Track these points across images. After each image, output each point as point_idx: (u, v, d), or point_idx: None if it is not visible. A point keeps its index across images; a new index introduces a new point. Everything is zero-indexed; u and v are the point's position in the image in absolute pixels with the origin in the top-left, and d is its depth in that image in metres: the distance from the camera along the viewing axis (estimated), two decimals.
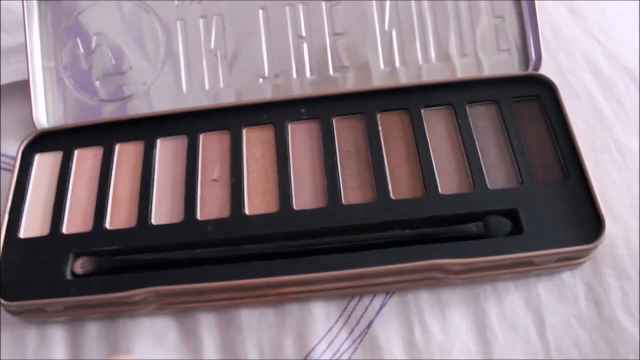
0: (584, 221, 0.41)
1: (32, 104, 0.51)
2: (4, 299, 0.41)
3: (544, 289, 0.42)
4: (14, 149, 0.51)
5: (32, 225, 0.46)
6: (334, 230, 0.43)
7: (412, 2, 0.51)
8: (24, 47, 0.52)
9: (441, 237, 0.42)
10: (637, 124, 0.48)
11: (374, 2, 0.51)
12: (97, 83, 0.52)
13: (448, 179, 0.45)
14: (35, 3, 0.52)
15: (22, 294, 0.41)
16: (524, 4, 0.50)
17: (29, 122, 0.51)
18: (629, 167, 0.46)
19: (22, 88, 0.53)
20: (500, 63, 0.50)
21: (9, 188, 0.47)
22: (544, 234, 0.41)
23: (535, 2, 0.51)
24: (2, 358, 0.42)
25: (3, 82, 0.54)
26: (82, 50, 0.53)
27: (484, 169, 0.45)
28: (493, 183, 0.44)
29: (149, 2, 0.52)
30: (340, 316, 0.42)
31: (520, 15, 0.51)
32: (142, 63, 0.52)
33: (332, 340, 0.41)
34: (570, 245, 0.40)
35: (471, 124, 0.47)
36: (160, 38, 0.52)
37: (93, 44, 0.53)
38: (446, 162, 0.46)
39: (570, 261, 0.41)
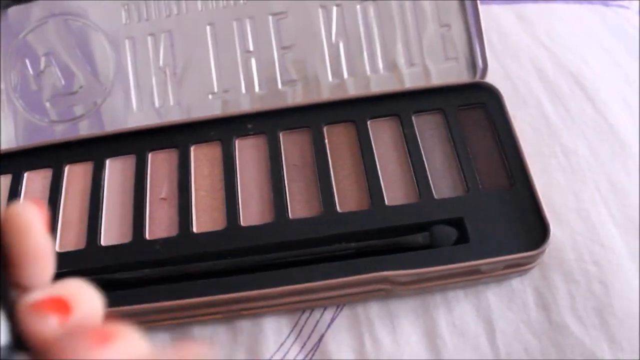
0: (530, 228, 0.42)
1: None
2: None
3: (493, 296, 0.42)
4: None
5: None
6: (282, 245, 0.43)
7: (359, 13, 0.51)
8: None
9: (388, 249, 0.42)
10: (583, 128, 0.49)
11: (320, 13, 0.51)
12: (47, 104, 0.52)
13: (394, 190, 0.45)
14: None
15: None
16: (470, 12, 0.51)
17: None
18: (574, 172, 0.47)
19: None
20: (448, 71, 0.51)
21: None
22: (490, 241, 0.41)
23: (482, 9, 0.51)
24: None
25: None
26: (31, 71, 0.52)
27: (430, 178, 0.45)
28: (439, 192, 0.45)
29: (97, 21, 0.52)
30: (291, 331, 0.42)
31: (466, 23, 0.51)
32: (92, 82, 0.52)
33: (284, 356, 0.41)
34: (516, 252, 0.40)
35: (417, 133, 0.47)
36: (109, 57, 0.52)
37: (42, 65, 0.52)
38: (392, 172, 0.46)
39: (518, 267, 0.41)
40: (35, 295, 0.20)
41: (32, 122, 0.52)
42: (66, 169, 0.48)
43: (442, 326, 0.41)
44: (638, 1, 0.60)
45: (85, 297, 0.21)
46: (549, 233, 0.41)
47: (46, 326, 0.19)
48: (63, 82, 0.52)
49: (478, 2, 0.50)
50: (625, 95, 0.51)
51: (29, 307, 0.19)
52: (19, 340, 0.20)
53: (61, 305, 0.20)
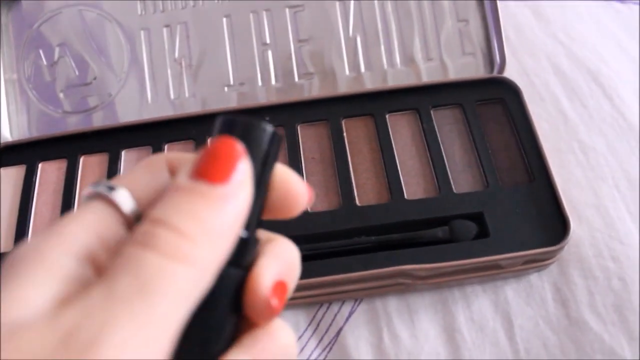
0: (550, 223, 0.42)
1: None
2: None
3: (512, 291, 0.42)
4: None
5: None
6: (300, 238, 0.41)
7: (377, 7, 0.51)
8: None
9: (407, 243, 0.42)
10: (600, 125, 0.49)
11: (337, 7, 0.51)
12: (61, 95, 0.52)
13: (413, 184, 0.45)
14: None
15: None
16: (487, 8, 0.51)
17: None
18: (593, 168, 0.47)
19: None
20: (465, 66, 0.51)
21: None
22: (510, 237, 0.42)
23: (499, 5, 0.51)
24: None
25: None
26: (45, 61, 0.52)
27: (449, 173, 0.45)
28: (458, 187, 0.45)
29: (111, 11, 0.52)
30: (309, 324, 0.42)
31: (484, 18, 0.51)
32: (106, 74, 0.52)
33: (302, 349, 0.42)
34: (536, 247, 0.40)
35: (436, 128, 0.47)
36: (124, 48, 0.52)
37: (56, 55, 0.52)
38: (411, 166, 0.46)
39: (537, 263, 0.41)
40: (267, 282, 0.23)
41: (46, 113, 0.52)
42: (81, 160, 0.48)
43: (461, 321, 0.41)
44: None
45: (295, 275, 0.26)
46: (570, 229, 0.41)
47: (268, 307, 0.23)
48: (77, 72, 0.52)
49: None
50: None
51: (262, 297, 0.23)
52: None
53: (282, 290, 0.24)
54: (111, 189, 0.23)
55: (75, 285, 0.21)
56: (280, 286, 0.24)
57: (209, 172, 0.22)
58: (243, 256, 0.23)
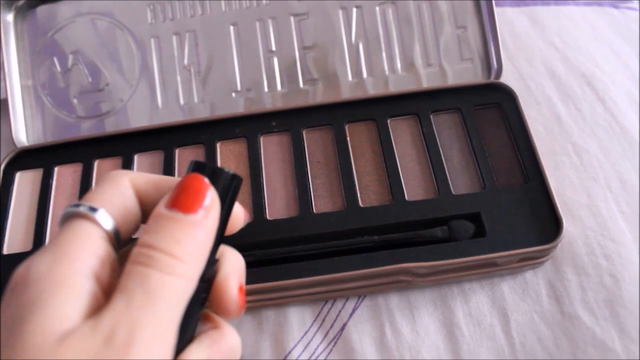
0: (544, 223, 0.43)
1: (11, 122, 0.52)
2: None
3: (508, 288, 0.43)
4: None
5: (16, 241, 0.47)
6: (307, 238, 0.44)
7: (378, 14, 0.52)
8: (1, 66, 0.53)
9: (408, 242, 0.43)
10: (594, 128, 0.50)
11: (340, 15, 0.52)
12: (75, 100, 0.53)
13: (414, 186, 0.46)
14: (11, 23, 0.53)
15: None
16: (485, 15, 0.52)
17: (6, 140, 0.53)
18: (586, 169, 0.48)
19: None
20: (463, 72, 0.52)
21: None
22: (506, 235, 0.42)
23: (496, 12, 0.52)
24: None
25: None
26: (59, 68, 0.54)
27: (448, 175, 0.46)
28: (457, 188, 0.46)
29: (122, 20, 0.53)
30: (315, 320, 0.43)
31: (481, 25, 0.52)
32: (118, 80, 0.53)
33: (308, 343, 0.42)
34: (530, 245, 0.41)
35: (435, 132, 0.48)
36: (135, 55, 0.53)
37: (69, 63, 0.54)
38: (412, 169, 0.47)
39: (532, 261, 0.42)
40: (234, 288, 0.31)
41: (60, 118, 0.53)
42: (96, 163, 0.50)
43: (459, 316, 0.42)
44: None
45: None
46: (562, 228, 0.42)
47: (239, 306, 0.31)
48: (90, 79, 0.53)
49: (494, 4, 0.51)
50: (634, 96, 0.52)
51: (234, 301, 0.31)
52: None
53: (242, 291, 0.32)
54: (93, 210, 0.29)
55: (91, 299, 0.27)
56: (241, 289, 0.31)
57: (182, 203, 0.29)
58: (205, 273, 0.29)
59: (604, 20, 0.58)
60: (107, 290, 0.28)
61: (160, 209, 0.29)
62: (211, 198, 0.29)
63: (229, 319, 0.32)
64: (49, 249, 0.28)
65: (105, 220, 0.29)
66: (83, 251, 0.28)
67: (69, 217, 0.29)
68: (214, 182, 0.30)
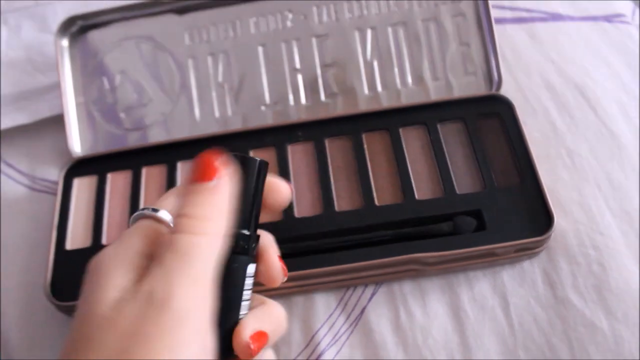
0: (537, 217, 0.45)
1: (67, 135, 0.56)
2: (57, 299, 0.47)
3: (507, 275, 0.46)
4: (50, 173, 0.57)
5: (77, 238, 0.51)
6: (330, 233, 0.47)
7: (390, 34, 0.55)
8: (58, 85, 0.57)
9: (418, 235, 0.46)
10: (585, 133, 0.52)
11: (357, 36, 0.56)
12: (122, 115, 0.56)
13: (423, 187, 0.49)
14: (66, 47, 0.57)
15: (71, 295, 0.47)
16: (486, 33, 0.54)
17: (62, 150, 0.57)
18: (578, 171, 0.50)
19: (55, 121, 0.58)
20: (467, 84, 0.54)
21: (54, 209, 0.52)
22: (504, 229, 0.45)
23: (498, 29, 0.55)
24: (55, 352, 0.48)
25: (40, 116, 0.59)
26: (107, 86, 0.57)
27: (453, 177, 0.49)
28: (461, 188, 0.49)
29: (163, 43, 0.57)
30: (338, 304, 0.47)
31: (483, 42, 0.55)
32: (160, 96, 0.56)
33: (332, 324, 0.46)
34: (525, 237, 0.44)
35: (442, 139, 0.51)
36: (175, 74, 0.57)
37: (117, 81, 0.57)
38: (421, 172, 0.50)
39: (528, 251, 0.45)
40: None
41: (109, 131, 0.57)
42: (144, 170, 0.53)
43: (465, 301, 0.45)
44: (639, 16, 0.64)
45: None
46: (554, 221, 0.45)
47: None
48: (135, 95, 0.57)
49: (493, 23, 0.54)
50: (623, 103, 0.53)
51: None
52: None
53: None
54: (155, 210, 0.33)
55: (144, 271, 0.30)
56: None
57: (198, 175, 0.31)
58: (249, 247, 0.33)
59: (597, 34, 0.59)
60: None
61: (182, 187, 0.33)
62: (221, 166, 0.32)
63: (275, 286, 0.36)
64: (116, 240, 0.32)
65: (166, 216, 0.33)
66: (139, 237, 0.32)
67: (136, 220, 0.34)
68: (242, 169, 0.33)
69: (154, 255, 0.30)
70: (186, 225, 0.30)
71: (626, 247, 0.46)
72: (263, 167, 0.34)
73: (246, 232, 0.33)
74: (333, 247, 0.47)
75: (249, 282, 0.33)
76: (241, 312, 0.33)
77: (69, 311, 0.48)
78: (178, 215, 0.31)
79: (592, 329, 0.43)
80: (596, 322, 0.43)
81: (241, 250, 0.33)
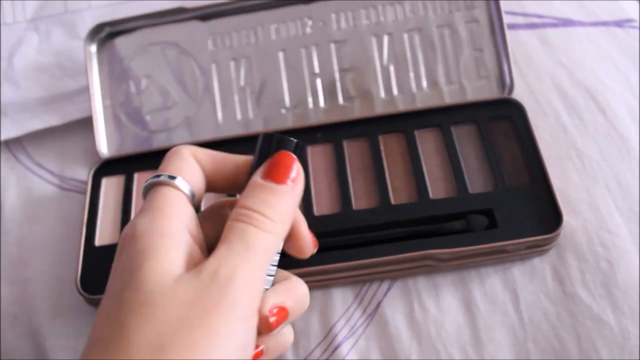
0: (547, 216, 0.47)
1: (95, 136, 0.58)
2: (87, 292, 0.48)
3: (518, 272, 0.47)
4: (79, 173, 0.59)
5: (105, 235, 0.53)
6: (348, 230, 0.49)
7: (406, 40, 0.57)
8: (86, 89, 0.59)
9: (432, 233, 0.47)
10: (594, 135, 0.53)
11: (374, 41, 0.58)
12: (148, 117, 0.58)
13: (437, 186, 0.51)
14: (94, 53, 0.60)
15: (100, 288, 0.46)
16: (499, 38, 0.56)
17: (91, 151, 0.59)
18: (587, 172, 0.51)
19: (84, 124, 0.60)
20: (480, 88, 0.55)
21: (84, 206, 0.54)
22: (515, 227, 0.46)
23: (510, 34, 0.56)
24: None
25: (70, 119, 0.61)
26: (133, 90, 0.59)
27: (465, 177, 0.50)
28: (473, 188, 0.50)
29: (187, 48, 0.59)
30: (355, 299, 0.48)
31: (496, 47, 0.56)
32: (184, 99, 0.58)
33: (349, 318, 0.47)
34: (535, 235, 0.45)
35: (455, 141, 0.52)
36: (198, 78, 0.59)
37: (143, 85, 0.59)
38: (435, 172, 0.51)
39: (538, 248, 0.46)
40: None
41: (135, 133, 0.58)
42: None
43: (477, 296, 0.46)
44: None
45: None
46: (562, 220, 0.46)
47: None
48: (160, 99, 0.59)
49: (505, 29, 0.56)
50: (632, 106, 0.54)
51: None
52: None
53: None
54: (172, 177, 0.34)
55: (189, 248, 0.32)
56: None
57: (275, 174, 0.33)
58: None
59: (607, 39, 0.60)
60: (198, 242, 0.33)
61: (257, 178, 0.34)
62: (297, 171, 0.34)
63: (305, 257, 0.38)
64: (145, 210, 0.33)
65: (183, 185, 0.34)
66: (174, 209, 0.33)
67: (152, 187, 0.34)
68: (278, 148, 0.35)
69: (223, 236, 0.32)
70: (257, 220, 0.32)
71: (633, 245, 0.47)
72: (299, 148, 0.36)
73: None
74: (350, 244, 0.48)
75: (275, 257, 0.35)
76: (265, 287, 0.34)
77: (98, 303, 0.49)
78: (250, 208, 0.32)
79: (599, 323, 0.44)
80: (603, 317, 0.44)
81: None
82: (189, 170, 0.36)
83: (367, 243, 0.48)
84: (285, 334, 0.36)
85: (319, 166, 0.54)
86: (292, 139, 0.36)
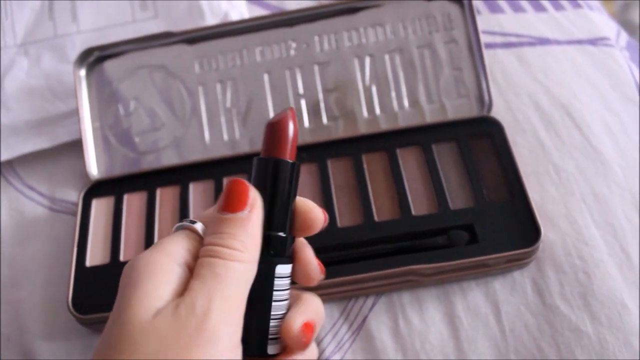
0: (525, 230, 0.48)
1: (85, 158, 0.58)
2: (78, 313, 0.49)
3: (499, 285, 0.48)
4: (69, 195, 0.60)
5: (96, 255, 0.54)
6: (333, 247, 0.50)
7: (387, 61, 0.59)
8: (76, 112, 0.60)
9: (415, 249, 0.48)
10: (571, 150, 0.54)
11: (356, 62, 0.59)
12: (136, 139, 0.59)
13: (419, 203, 0.52)
14: (84, 77, 0.61)
15: (91, 309, 0.49)
16: (477, 58, 0.57)
17: (81, 173, 0.59)
18: (564, 186, 0.52)
19: (74, 146, 0.61)
20: (460, 106, 0.57)
21: (74, 228, 0.55)
22: (495, 242, 0.48)
23: (489, 53, 0.59)
24: None
25: (60, 141, 0.62)
26: (122, 112, 0.60)
27: (446, 193, 0.52)
28: (454, 204, 0.51)
29: (175, 71, 0.60)
30: (341, 314, 0.49)
31: (475, 67, 0.57)
32: (172, 121, 0.60)
33: (336, 333, 0.48)
34: (514, 249, 0.47)
35: (436, 158, 0.54)
36: (186, 100, 0.60)
37: (131, 107, 0.60)
38: (417, 189, 0.53)
39: (518, 262, 0.48)
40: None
41: (125, 154, 0.59)
42: (158, 191, 0.56)
43: (459, 309, 0.48)
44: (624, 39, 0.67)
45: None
46: (540, 234, 0.47)
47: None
48: (149, 120, 0.60)
49: (483, 48, 0.57)
50: (607, 122, 0.56)
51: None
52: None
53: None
54: (192, 222, 0.35)
55: (181, 282, 0.32)
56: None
57: (230, 205, 0.33)
58: (285, 249, 0.35)
59: (583, 56, 0.61)
60: None
61: (214, 213, 0.33)
62: (252, 197, 0.33)
63: (313, 284, 0.37)
64: (152, 246, 0.33)
65: (201, 228, 0.34)
66: (177, 246, 0.33)
67: (176, 230, 0.35)
68: (275, 172, 0.34)
69: (194, 273, 0.32)
70: (223, 253, 0.32)
71: (609, 257, 0.49)
72: (296, 170, 0.35)
73: (282, 234, 0.35)
74: (336, 261, 0.49)
75: (287, 282, 0.35)
76: (282, 312, 0.35)
77: (90, 324, 0.50)
78: (214, 244, 0.32)
79: (577, 333, 0.46)
80: (582, 327, 0.46)
81: (278, 252, 0.34)
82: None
83: (352, 259, 0.49)
84: (313, 349, 0.36)
85: (304, 185, 0.55)
86: (287, 160, 0.35)
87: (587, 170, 0.53)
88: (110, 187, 0.58)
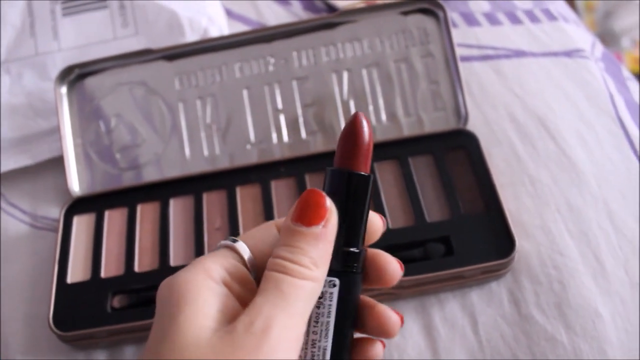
0: (500, 242, 0.49)
1: (67, 175, 0.59)
2: (59, 330, 0.49)
3: (476, 296, 0.49)
4: (51, 212, 0.60)
5: (77, 272, 0.54)
6: None
7: (365, 75, 0.59)
8: (57, 129, 0.60)
9: None
10: (546, 161, 0.55)
11: (334, 77, 0.60)
12: (118, 155, 0.60)
13: (396, 216, 0.52)
14: (65, 94, 0.61)
15: (72, 325, 0.50)
16: (453, 71, 0.58)
17: (62, 190, 0.60)
18: (539, 196, 0.53)
19: (55, 163, 0.61)
20: (437, 119, 0.57)
21: (56, 245, 0.55)
22: (471, 253, 0.48)
23: (465, 66, 0.59)
24: None
25: (41, 158, 0.62)
26: (103, 129, 0.60)
27: (423, 206, 0.52)
28: (430, 217, 0.52)
29: (155, 88, 0.61)
30: None
31: (451, 80, 0.58)
32: (152, 137, 0.60)
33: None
34: (489, 260, 0.47)
35: (413, 172, 0.54)
36: (166, 116, 0.60)
37: (112, 124, 0.60)
38: (394, 202, 0.53)
39: (493, 273, 0.48)
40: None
41: (106, 170, 0.60)
42: (139, 207, 0.56)
43: (437, 320, 0.48)
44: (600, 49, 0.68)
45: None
46: (515, 245, 0.48)
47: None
48: (129, 137, 0.60)
49: (459, 62, 0.58)
50: (581, 133, 0.56)
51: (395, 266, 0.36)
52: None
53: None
54: (234, 241, 0.34)
55: (225, 299, 0.31)
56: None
57: (304, 217, 0.32)
58: (359, 264, 0.34)
59: (558, 68, 0.62)
60: (239, 298, 0.33)
61: (287, 222, 0.32)
62: (329, 210, 0.32)
63: (394, 283, 0.36)
64: (190, 264, 0.33)
65: (243, 248, 0.34)
66: (215, 264, 0.32)
67: (218, 248, 0.35)
68: (348, 185, 0.33)
69: (260, 287, 0.31)
70: (291, 269, 0.31)
71: (584, 266, 0.49)
72: (369, 182, 0.34)
73: (356, 249, 0.34)
74: None
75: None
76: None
77: (70, 341, 0.51)
78: (283, 257, 0.31)
79: (553, 342, 0.46)
80: (557, 337, 0.46)
81: (353, 268, 0.34)
82: (262, 235, 0.36)
83: None
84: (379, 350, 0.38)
85: (283, 199, 0.55)
86: (360, 173, 0.33)
87: (562, 181, 0.54)
88: (91, 203, 0.58)
